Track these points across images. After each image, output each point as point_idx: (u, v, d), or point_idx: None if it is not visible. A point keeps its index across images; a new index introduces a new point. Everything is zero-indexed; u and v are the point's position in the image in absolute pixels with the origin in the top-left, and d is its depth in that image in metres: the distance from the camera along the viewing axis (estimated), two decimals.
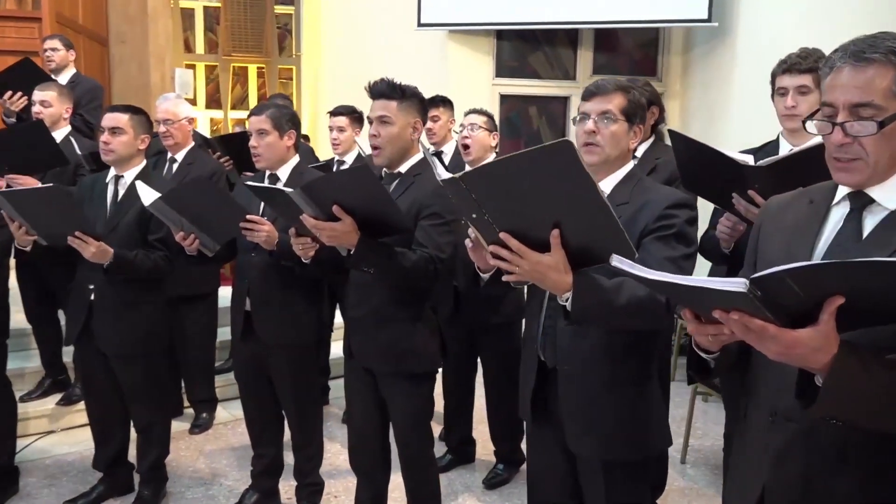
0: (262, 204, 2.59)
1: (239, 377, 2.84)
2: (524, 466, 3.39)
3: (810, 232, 1.32)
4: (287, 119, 2.57)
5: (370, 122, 2.28)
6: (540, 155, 1.30)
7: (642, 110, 1.81)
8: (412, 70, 5.19)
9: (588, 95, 1.78)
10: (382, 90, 2.24)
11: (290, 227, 2.29)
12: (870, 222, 1.25)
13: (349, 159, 3.98)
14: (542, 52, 5.63)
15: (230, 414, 3.93)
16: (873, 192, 1.25)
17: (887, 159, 1.21)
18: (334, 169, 3.94)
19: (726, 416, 2.60)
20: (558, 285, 1.48)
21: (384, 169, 2.30)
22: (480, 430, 3.55)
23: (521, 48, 5.60)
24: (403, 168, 2.29)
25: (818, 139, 2.22)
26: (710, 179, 2.01)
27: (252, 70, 12.42)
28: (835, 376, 1.04)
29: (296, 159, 2.65)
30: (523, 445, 3.41)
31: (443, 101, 3.80)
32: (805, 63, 2.18)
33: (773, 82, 2.31)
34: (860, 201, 1.26)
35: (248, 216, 2.40)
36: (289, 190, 2.00)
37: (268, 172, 2.63)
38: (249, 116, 2.60)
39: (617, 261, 1.17)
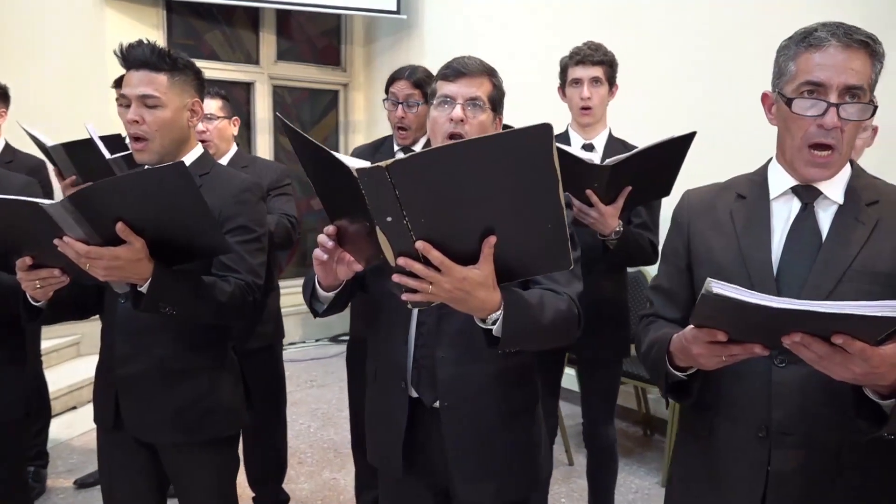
0: None
1: None
2: None
3: (762, 230, 1.26)
4: None
5: (122, 103, 1.65)
6: (511, 140, 0.99)
7: (503, 98, 1.60)
8: (59, 44, 4.12)
9: (453, 75, 1.51)
10: (144, 57, 1.61)
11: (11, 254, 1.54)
12: (824, 217, 1.22)
13: None
14: (220, 31, 4.99)
15: None
16: (822, 185, 1.23)
17: (848, 151, 1.20)
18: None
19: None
20: (486, 305, 1.17)
21: (146, 167, 1.67)
22: None
23: (195, 25, 4.88)
24: None
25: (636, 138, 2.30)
26: None
27: None
28: None
29: None
30: (286, 485, 2.98)
31: None
32: (597, 55, 2.21)
33: (562, 74, 2.30)
34: (811, 196, 1.24)
35: None
36: (45, 202, 1.28)
37: None
38: None
39: (717, 286, 0.92)
